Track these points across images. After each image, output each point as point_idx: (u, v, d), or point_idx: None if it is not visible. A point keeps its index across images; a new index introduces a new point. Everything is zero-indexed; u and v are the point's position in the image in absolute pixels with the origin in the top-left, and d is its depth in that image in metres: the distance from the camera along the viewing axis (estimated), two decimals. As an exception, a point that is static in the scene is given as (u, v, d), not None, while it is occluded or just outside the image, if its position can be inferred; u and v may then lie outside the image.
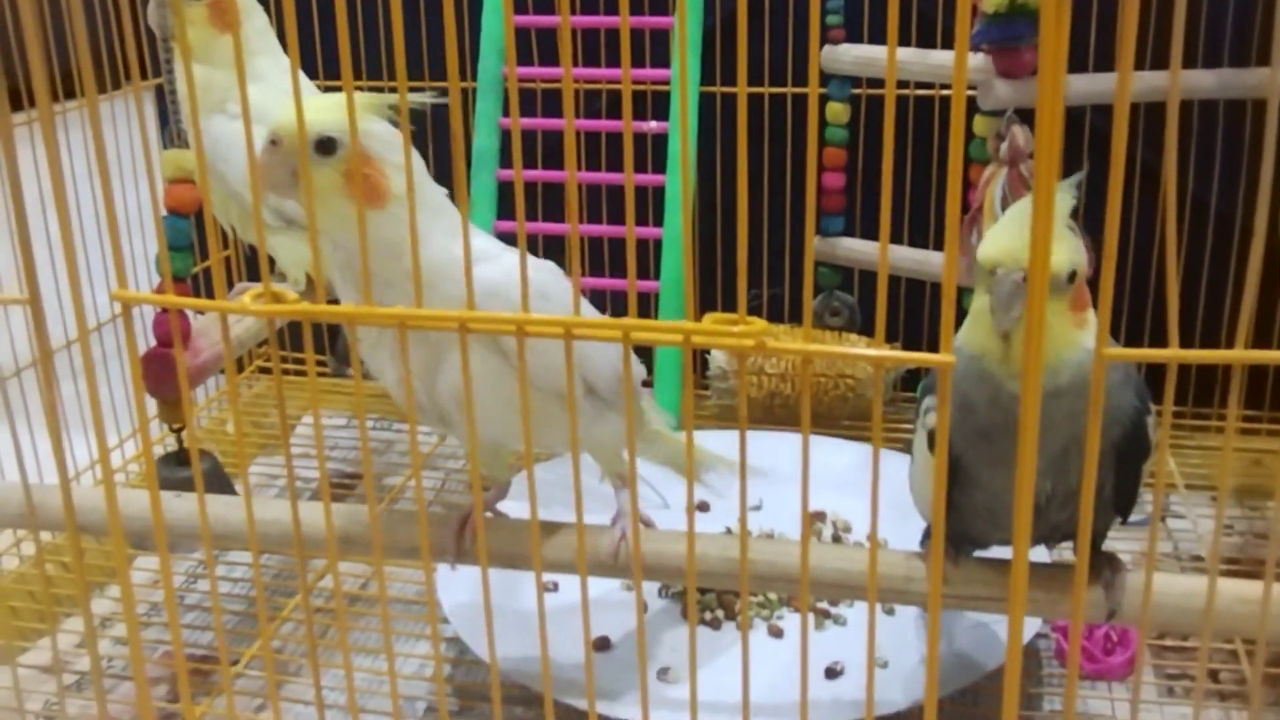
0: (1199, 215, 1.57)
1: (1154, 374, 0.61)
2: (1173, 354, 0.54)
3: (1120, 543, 1.19)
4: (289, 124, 0.75)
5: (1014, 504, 0.56)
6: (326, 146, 0.79)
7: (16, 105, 0.71)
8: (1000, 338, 0.76)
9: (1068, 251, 0.76)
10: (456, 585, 1.14)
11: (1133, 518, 0.86)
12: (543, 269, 0.88)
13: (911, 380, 1.66)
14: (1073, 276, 0.76)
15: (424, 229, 0.77)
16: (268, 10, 1.35)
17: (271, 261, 1.29)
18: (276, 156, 0.79)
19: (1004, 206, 1.30)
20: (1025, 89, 1.27)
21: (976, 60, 1.28)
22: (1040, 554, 1.09)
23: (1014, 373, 0.77)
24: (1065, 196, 0.78)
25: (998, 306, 0.74)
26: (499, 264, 0.83)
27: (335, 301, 0.85)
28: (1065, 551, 1.11)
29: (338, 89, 1.50)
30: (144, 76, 1.51)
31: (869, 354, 0.56)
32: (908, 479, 0.92)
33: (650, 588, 1.23)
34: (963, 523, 0.85)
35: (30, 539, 1.37)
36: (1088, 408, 0.56)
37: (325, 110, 0.78)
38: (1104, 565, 0.82)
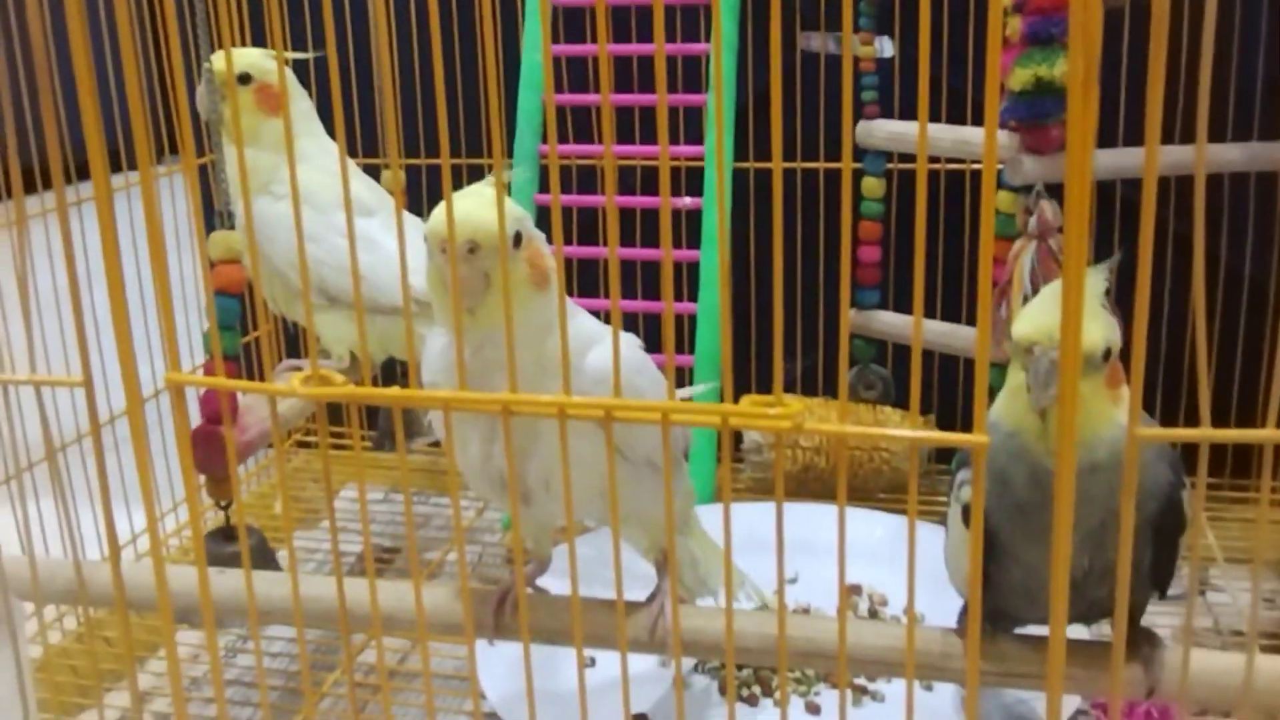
0: (1233, 284, 1.57)
1: (1190, 445, 0.62)
2: (1205, 434, 0.54)
3: (1159, 617, 1.18)
4: (485, 227, 0.75)
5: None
6: (518, 240, 0.80)
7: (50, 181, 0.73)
8: (1038, 414, 0.77)
9: (1101, 329, 0.76)
10: (493, 660, 1.14)
11: (1171, 592, 0.86)
12: (628, 344, 0.90)
13: (946, 452, 1.65)
14: (1107, 355, 0.77)
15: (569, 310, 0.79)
16: (309, 92, 1.39)
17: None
18: (474, 264, 0.78)
19: (1033, 280, 1.31)
20: (1053, 164, 1.28)
21: (1004, 136, 1.30)
22: (1079, 632, 1.08)
23: (1051, 449, 0.77)
24: (1098, 278, 0.79)
25: (1035, 384, 0.75)
26: (608, 346, 0.85)
27: (378, 381, 0.87)
28: (1104, 628, 1.10)
29: (376, 166, 1.53)
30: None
31: (904, 434, 0.56)
32: (943, 553, 0.92)
33: (686, 663, 1.23)
34: (1000, 599, 0.85)
35: (71, 614, 1.38)
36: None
37: (488, 206, 0.78)
38: (1142, 641, 0.82)
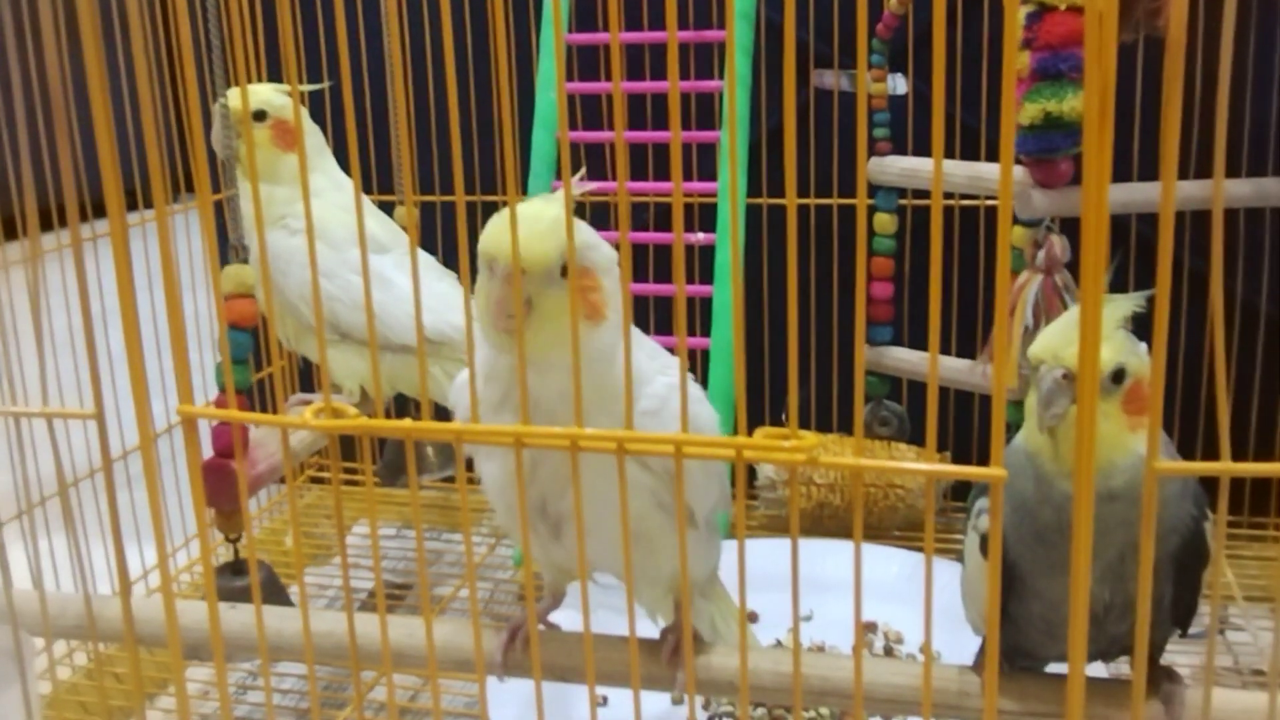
0: (1249, 320, 1.56)
1: (1208, 479, 0.61)
2: (1224, 467, 0.54)
3: (1178, 656, 1.17)
4: (531, 253, 0.72)
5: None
6: (564, 270, 0.76)
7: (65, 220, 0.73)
8: (1046, 434, 0.76)
9: (1113, 350, 0.76)
10: (505, 698, 1.13)
11: (1191, 630, 0.85)
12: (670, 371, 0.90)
13: (962, 489, 1.65)
14: (1119, 376, 0.76)
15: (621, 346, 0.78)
16: (322, 128, 1.39)
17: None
18: (511, 288, 0.73)
19: (1035, 314, 1.30)
20: (1062, 199, 1.28)
21: (1014, 171, 1.30)
22: (1097, 671, 1.07)
23: (1064, 471, 0.77)
24: (1121, 304, 0.79)
25: (1039, 403, 0.75)
26: (664, 384, 0.85)
27: (389, 414, 0.86)
28: (1123, 665, 1.09)
29: (389, 203, 1.53)
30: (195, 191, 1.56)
31: (921, 468, 0.56)
32: (960, 588, 0.91)
33: (696, 701, 1.22)
34: (1019, 635, 0.84)
35: (81, 649, 1.38)
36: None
37: (551, 234, 0.75)
38: (1162, 679, 0.81)
